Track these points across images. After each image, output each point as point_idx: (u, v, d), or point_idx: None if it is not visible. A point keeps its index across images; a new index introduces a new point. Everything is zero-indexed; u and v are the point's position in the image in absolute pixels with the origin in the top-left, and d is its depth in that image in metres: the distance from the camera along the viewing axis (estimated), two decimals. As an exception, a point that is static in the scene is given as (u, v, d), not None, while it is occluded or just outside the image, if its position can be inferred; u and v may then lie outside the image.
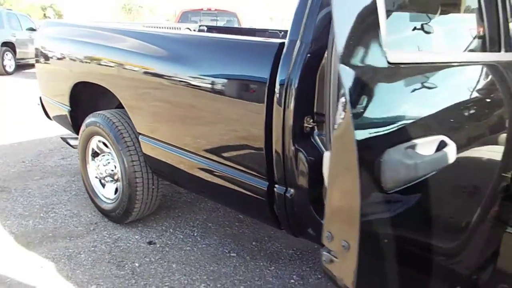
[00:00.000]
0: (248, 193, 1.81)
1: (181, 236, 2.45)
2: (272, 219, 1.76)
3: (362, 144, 0.71)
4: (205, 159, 1.97)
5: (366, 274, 0.78)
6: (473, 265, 1.30)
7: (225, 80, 1.79)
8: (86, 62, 2.51)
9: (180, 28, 4.07)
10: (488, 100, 1.16)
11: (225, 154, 1.90)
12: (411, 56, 0.85)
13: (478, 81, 1.12)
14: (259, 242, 2.42)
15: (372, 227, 0.76)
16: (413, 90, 0.84)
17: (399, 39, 1.05)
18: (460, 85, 1.04)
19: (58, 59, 2.80)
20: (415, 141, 0.79)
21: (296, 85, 1.46)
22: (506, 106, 1.23)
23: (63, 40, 2.77)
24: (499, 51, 1.21)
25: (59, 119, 3.03)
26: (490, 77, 1.19)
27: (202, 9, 8.43)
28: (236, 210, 2.43)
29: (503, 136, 1.25)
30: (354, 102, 0.70)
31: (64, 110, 2.82)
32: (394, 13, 0.96)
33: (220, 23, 8.39)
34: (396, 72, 0.80)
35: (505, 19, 1.21)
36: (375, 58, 0.75)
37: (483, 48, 1.23)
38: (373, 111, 0.74)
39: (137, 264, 2.15)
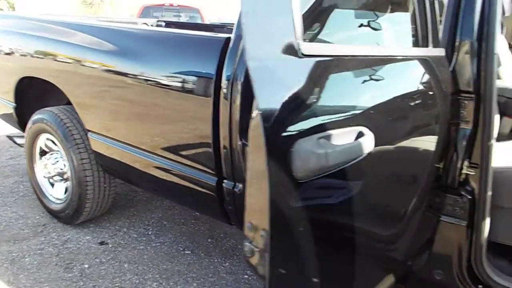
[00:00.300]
0: (199, 190, 1.79)
1: (135, 235, 2.40)
2: (222, 214, 1.76)
3: (272, 135, 0.71)
4: (155, 156, 1.94)
5: (281, 264, 0.79)
6: (406, 253, 1.35)
7: (173, 76, 1.77)
8: (31, 56, 2.39)
9: (136, 23, 3.97)
10: (416, 92, 1.20)
11: (174, 151, 1.87)
12: (328, 49, 0.86)
13: (404, 73, 1.16)
14: (215, 239, 2.41)
15: (284, 216, 0.78)
16: (331, 82, 0.85)
17: (320, 32, 1.07)
18: (384, 78, 1.06)
19: (2, 53, 2.66)
20: (330, 132, 0.81)
21: (242, 80, 1.46)
22: (435, 98, 1.28)
23: (7, 33, 2.64)
24: (427, 46, 1.26)
25: (5, 116, 2.89)
26: (416, 70, 1.23)
27: (163, 5, 8.29)
28: (188, 207, 2.41)
29: (434, 128, 1.30)
30: (263, 94, 0.70)
31: (9, 107, 2.69)
32: (315, 6, 0.97)
33: (184, 19, 8.28)
34: (312, 64, 0.80)
35: (434, 18, 1.27)
36: (287, 49, 0.75)
37: (410, 44, 1.28)
38: (284, 103, 0.75)
39: (86, 266, 2.09)
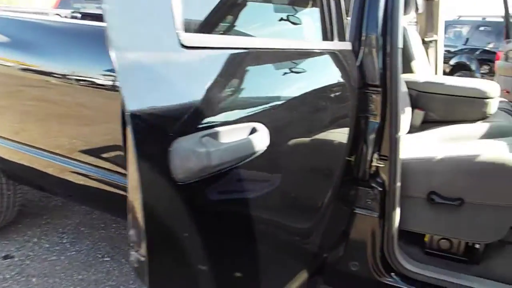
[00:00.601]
0: (114, 192, 1.67)
1: (47, 245, 2.20)
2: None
3: (145, 134, 0.65)
4: (63, 158, 1.78)
5: (164, 273, 0.73)
6: (320, 246, 1.34)
7: (82, 70, 1.63)
8: None
9: (47, 14, 3.65)
10: (322, 86, 1.18)
11: (87, 152, 1.74)
12: (217, 40, 0.79)
13: (309, 67, 1.14)
14: (137, 243, 2.28)
15: (165, 221, 0.72)
16: (219, 76, 0.78)
17: (230, 24, 1.02)
18: (285, 71, 1.03)
19: None
20: (217, 129, 0.75)
21: None
22: (344, 92, 1.28)
23: None
24: (332, 40, 1.26)
25: None
26: (323, 63, 1.22)
27: (85, -5, 7.74)
28: (105, 211, 2.26)
29: (344, 122, 1.31)
30: (131, 89, 0.63)
31: None
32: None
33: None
34: (194, 56, 0.73)
35: (339, 11, 1.27)
36: (164, 39, 0.68)
37: (315, 37, 1.27)
38: (159, 99, 0.67)
39: (-15, 284, 1.87)
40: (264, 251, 1.01)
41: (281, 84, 1.01)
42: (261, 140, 0.86)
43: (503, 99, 2.60)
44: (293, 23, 1.18)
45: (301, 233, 1.24)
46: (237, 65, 0.84)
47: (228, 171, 0.78)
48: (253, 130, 0.84)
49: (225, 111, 0.80)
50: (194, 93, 0.74)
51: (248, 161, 0.84)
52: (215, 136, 0.75)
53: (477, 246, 1.55)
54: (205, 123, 0.75)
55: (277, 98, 0.97)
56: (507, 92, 3.33)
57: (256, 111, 0.88)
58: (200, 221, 0.78)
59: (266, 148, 0.87)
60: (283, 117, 0.99)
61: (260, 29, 1.10)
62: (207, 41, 0.77)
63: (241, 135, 0.82)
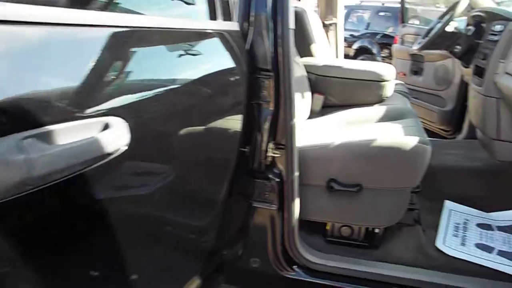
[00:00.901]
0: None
1: None
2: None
3: None
4: None
5: None
6: (217, 244, 1.23)
7: None
8: None
9: None
10: (205, 73, 1.04)
11: None
12: (38, 12, 0.57)
13: (187, 49, 0.97)
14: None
15: None
16: (47, 57, 0.59)
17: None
18: (147, 53, 0.84)
19: None
20: (48, 128, 0.57)
21: None
22: (232, 78, 1.16)
23: None
24: (215, 19, 1.12)
25: None
26: (204, 45, 1.07)
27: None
28: None
29: (234, 110, 1.19)
30: None
31: None
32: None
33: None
34: (8, 32, 0.53)
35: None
36: None
37: (194, 16, 1.12)
38: None
39: None
40: (145, 260, 0.86)
41: (147, 70, 0.83)
42: (117, 137, 0.69)
43: (399, 81, 2.71)
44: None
45: (195, 232, 1.10)
46: (79, 44, 0.65)
47: (71, 179, 0.60)
48: (106, 127, 0.67)
49: (64, 105, 0.61)
50: (8, 81, 0.54)
51: (103, 163, 0.67)
52: (43, 137, 0.57)
53: (376, 230, 1.56)
54: (30, 120, 0.55)
55: (145, 86, 0.80)
56: (403, 74, 3.51)
57: (113, 104, 0.70)
58: (34, 245, 0.60)
59: (127, 146, 0.71)
60: (156, 109, 0.82)
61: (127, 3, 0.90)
62: (23, 14, 0.56)
63: (87, 133, 0.64)
